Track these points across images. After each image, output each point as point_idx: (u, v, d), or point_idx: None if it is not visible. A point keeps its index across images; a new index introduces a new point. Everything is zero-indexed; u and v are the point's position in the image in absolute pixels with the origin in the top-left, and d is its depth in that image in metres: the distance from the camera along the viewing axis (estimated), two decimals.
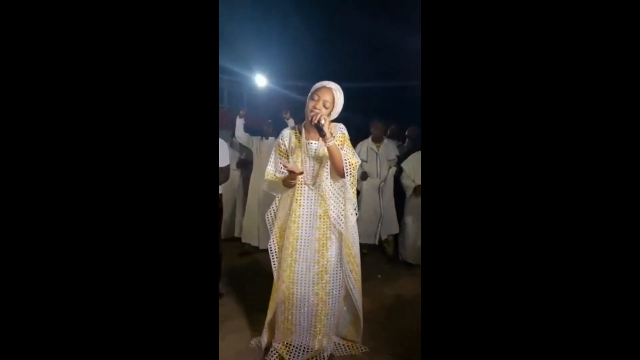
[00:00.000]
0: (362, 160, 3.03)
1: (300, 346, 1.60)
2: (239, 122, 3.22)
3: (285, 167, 1.58)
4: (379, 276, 2.76)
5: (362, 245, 3.25)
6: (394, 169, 3.12)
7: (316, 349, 1.59)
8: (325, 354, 1.64)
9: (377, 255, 3.22)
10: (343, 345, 1.75)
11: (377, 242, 3.18)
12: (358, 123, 3.52)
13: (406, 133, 3.62)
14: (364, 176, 3.05)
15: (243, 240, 3.28)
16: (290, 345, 1.61)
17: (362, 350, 1.74)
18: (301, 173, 1.52)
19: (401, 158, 3.12)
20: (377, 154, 3.09)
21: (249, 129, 3.35)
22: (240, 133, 3.24)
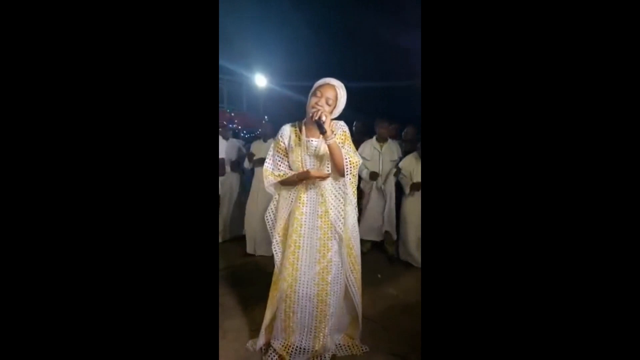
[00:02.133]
0: (365, 159, 3.02)
1: (301, 346, 1.59)
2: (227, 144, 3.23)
3: (306, 172, 1.51)
4: (379, 276, 2.76)
5: (362, 244, 3.26)
6: (394, 170, 3.12)
7: (317, 349, 1.59)
8: (327, 355, 1.64)
9: (377, 255, 3.22)
10: (343, 345, 1.75)
11: (383, 239, 3.17)
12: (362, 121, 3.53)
13: (402, 135, 3.60)
14: (373, 176, 3.03)
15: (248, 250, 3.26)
16: (290, 345, 1.60)
17: (362, 350, 1.74)
18: (328, 176, 1.49)
19: (402, 158, 3.12)
20: (380, 153, 3.09)
21: (246, 130, 3.35)
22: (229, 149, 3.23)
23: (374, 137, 3.13)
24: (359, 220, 1.84)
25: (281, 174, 1.58)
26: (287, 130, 1.61)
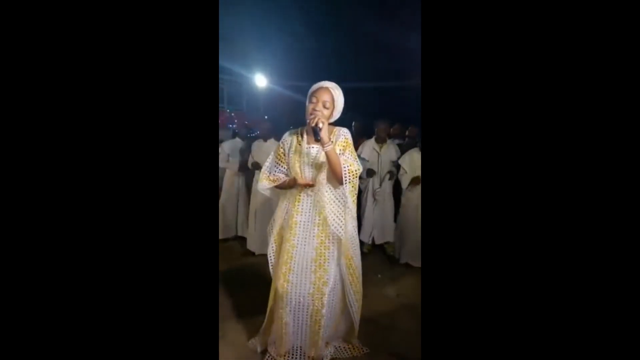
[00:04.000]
0: (364, 160, 3.02)
1: (297, 353, 1.59)
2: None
3: (299, 182, 1.52)
4: (379, 276, 2.76)
5: (362, 245, 3.24)
6: (393, 171, 3.11)
7: (312, 356, 1.58)
8: (326, 357, 1.63)
9: (377, 255, 3.22)
10: (344, 347, 1.74)
11: (369, 242, 3.17)
12: (361, 122, 3.53)
13: (406, 133, 3.62)
14: (370, 173, 3.01)
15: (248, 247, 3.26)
16: (286, 352, 1.59)
17: (362, 351, 1.74)
18: (312, 185, 1.49)
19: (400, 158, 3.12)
20: (379, 154, 3.09)
21: (245, 130, 3.34)
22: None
23: (373, 138, 3.13)
24: (358, 220, 1.84)
25: (275, 178, 1.58)
26: (289, 137, 1.60)
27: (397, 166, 3.10)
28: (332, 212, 1.49)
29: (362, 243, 3.20)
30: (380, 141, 3.10)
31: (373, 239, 3.16)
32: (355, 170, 1.44)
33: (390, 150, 3.12)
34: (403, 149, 3.26)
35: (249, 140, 3.48)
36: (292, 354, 1.59)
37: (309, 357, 1.58)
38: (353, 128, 3.61)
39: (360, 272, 1.64)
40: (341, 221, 1.49)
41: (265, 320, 1.66)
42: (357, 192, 1.57)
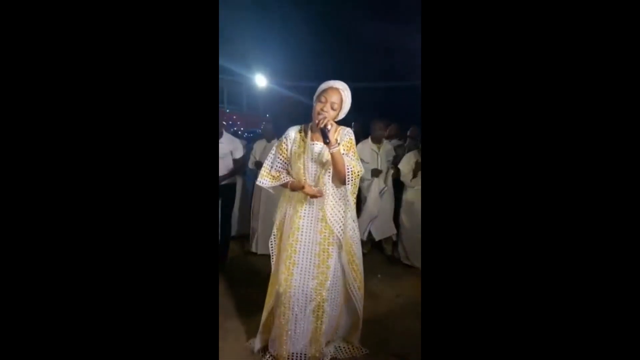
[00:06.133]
0: (364, 162, 3.02)
1: (297, 352, 1.58)
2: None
3: (307, 192, 1.49)
4: (379, 276, 2.76)
5: (362, 245, 3.23)
6: (391, 171, 3.11)
7: (313, 355, 1.58)
8: (326, 357, 1.63)
9: (377, 255, 3.22)
10: (344, 347, 1.74)
11: (364, 239, 3.16)
12: (361, 122, 3.52)
13: (407, 133, 3.61)
14: (375, 172, 3.01)
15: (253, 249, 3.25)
16: (287, 351, 1.58)
17: (362, 352, 1.74)
18: (321, 195, 1.48)
19: (399, 158, 3.11)
20: (378, 154, 3.09)
21: (246, 130, 3.32)
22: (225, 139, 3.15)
23: (369, 138, 3.12)
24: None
25: (276, 175, 1.58)
26: (292, 132, 1.59)
27: (394, 165, 3.10)
28: (332, 210, 1.51)
29: (362, 243, 3.20)
30: (377, 141, 3.10)
31: (370, 233, 3.11)
32: (358, 172, 1.48)
33: (387, 150, 3.12)
34: (404, 150, 3.26)
35: (248, 140, 3.47)
36: (294, 353, 1.58)
37: (309, 356, 1.57)
38: (353, 128, 3.61)
39: (362, 268, 1.66)
40: (341, 220, 1.52)
41: (264, 318, 1.66)
42: (357, 192, 1.59)
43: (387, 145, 3.17)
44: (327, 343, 1.66)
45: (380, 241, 3.22)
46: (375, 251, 3.28)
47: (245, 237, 3.39)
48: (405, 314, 2.14)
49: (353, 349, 1.74)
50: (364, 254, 3.21)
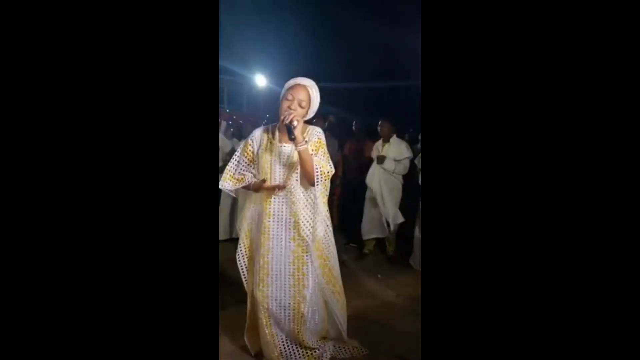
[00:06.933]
0: (396, 160, 2.98)
1: (291, 353, 1.57)
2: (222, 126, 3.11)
3: (273, 186, 1.44)
4: (379, 276, 2.76)
5: (365, 244, 3.21)
6: (400, 164, 3.05)
7: (309, 356, 1.57)
8: (325, 357, 1.62)
9: (377, 255, 3.22)
10: (343, 347, 1.73)
11: (390, 234, 3.08)
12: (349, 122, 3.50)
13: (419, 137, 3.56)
14: (380, 160, 2.96)
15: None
16: (278, 355, 1.56)
17: (362, 352, 1.73)
18: (283, 187, 1.43)
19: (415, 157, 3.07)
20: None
21: (242, 131, 3.31)
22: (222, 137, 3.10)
23: (381, 140, 3.09)
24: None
25: (240, 178, 1.51)
26: (258, 133, 1.52)
27: (411, 161, 3.05)
28: (303, 213, 1.45)
29: (362, 243, 3.20)
30: (385, 140, 3.08)
31: (388, 224, 3.02)
32: (328, 172, 1.41)
33: (394, 149, 3.01)
34: (417, 150, 3.22)
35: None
36: (286, 356, 1.56)
37: (303, 357, 1.56)
38: (353, 127, 3.61)
39: (339, 272, 1.61)
40: (309, 224, 1.45)
41: (247, 324, 1.65)
42: (328, 194, 1.53)
43: (396, 144, 3.05)
44: (324, 339, 1.65)
45: (381, 241, 3.21)
46: (375, 251, 3.28)
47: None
48: (405, 314, 2.14)
49: (353, 349, 1.73)
50: (365, 254, 3.21)
